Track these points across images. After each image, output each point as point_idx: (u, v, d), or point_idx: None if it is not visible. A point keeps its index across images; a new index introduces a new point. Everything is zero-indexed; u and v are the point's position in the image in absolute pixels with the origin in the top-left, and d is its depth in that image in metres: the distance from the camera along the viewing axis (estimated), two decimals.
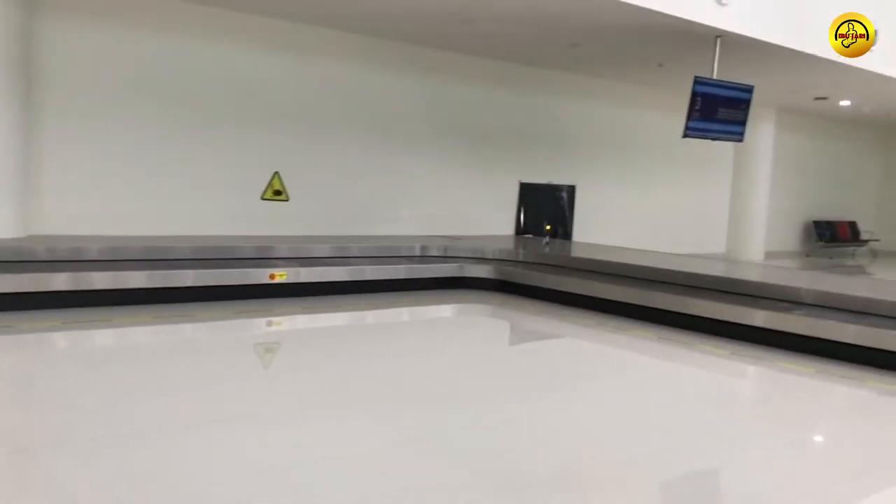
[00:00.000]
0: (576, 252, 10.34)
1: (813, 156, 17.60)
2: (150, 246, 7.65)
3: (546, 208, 12.63)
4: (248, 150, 9.42)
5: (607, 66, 11.75)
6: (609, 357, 6.71)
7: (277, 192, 9.60)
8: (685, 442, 4.30)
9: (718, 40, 9.11)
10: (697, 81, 8.98)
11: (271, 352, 6.34)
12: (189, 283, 7.09)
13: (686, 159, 14.47)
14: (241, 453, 3.63)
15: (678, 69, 10.89)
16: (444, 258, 9.23)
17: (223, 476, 3.35)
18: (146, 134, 8.69)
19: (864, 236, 18.37)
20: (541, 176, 12.52)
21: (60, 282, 6.43)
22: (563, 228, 12.90)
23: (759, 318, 6.78)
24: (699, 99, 8.96)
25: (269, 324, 7.07)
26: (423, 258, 9.19)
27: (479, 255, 9.40)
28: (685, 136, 9.10)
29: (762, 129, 15.48)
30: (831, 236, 17.63)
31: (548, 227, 11.27)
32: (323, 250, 8.57)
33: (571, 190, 12.96)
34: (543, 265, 9.18)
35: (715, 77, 9.21)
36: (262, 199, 9.52)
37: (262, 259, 8.04)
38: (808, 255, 17.40)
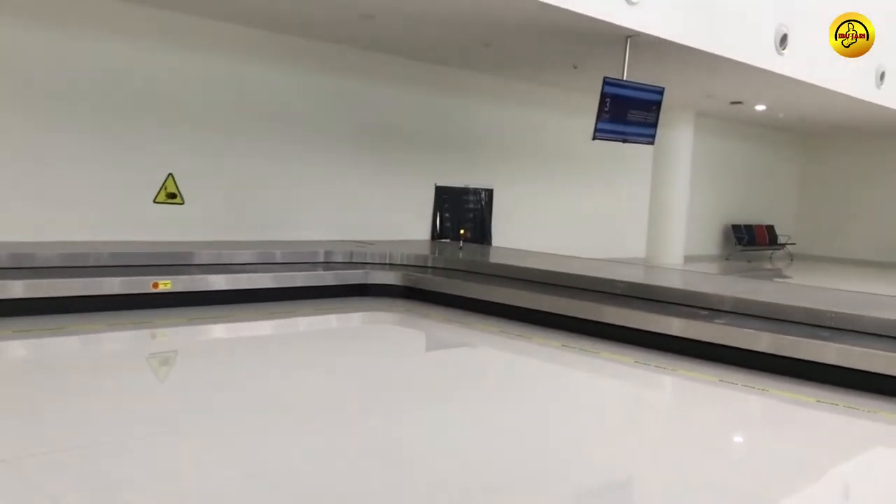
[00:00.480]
0: (488, 257, 10.07)
1: (731, 160, 17.76)
2: (20, 253, 7.05)
3: (463, 212, 12.34)
4: (140, 150, 8.85)
5: (522, 68, 11.53)
6: (508, 366, 6.40)
7: (171, 196, 9.05)
8: (581, 454, 4.01)
9: (629, 40, 8.94)
10: (607, 82, 8.79)
11: (141, 369, 5.84)
12: (63, 293, 6.54)
13: (606, 163, 14.36)
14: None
15: (593, 71, 10.71)
16: (350, 264, 8.82)
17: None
18: (29, 132, 8.07)
19: (781, 240, 18.63)
20: (457, 179, 12.23)
21: None
22: (481, 233, 12.62)
23: (664, 324, 6.58)
24: (608, 100, 8.76)
25: (153, 336, 6.56)
26: (328, 264, 8.76)
27: (386, 261, 9.03)
28: (595, 138, 8.89)
29: (680, 133, 15.51)
30: (749, 240, 17.81)
31: (462, 232, 10.96)
32: (215, 257, 8.07)
33: (489, 193, 12.69)
34: (453, 271, 8.86)
35: (625, 78, 9.03)
36: (155, 202, 8.96)
37: (149, 266, 7.50)
38: (727, 259, 17.54)
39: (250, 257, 8.24)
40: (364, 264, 8.85)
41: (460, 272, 8.83)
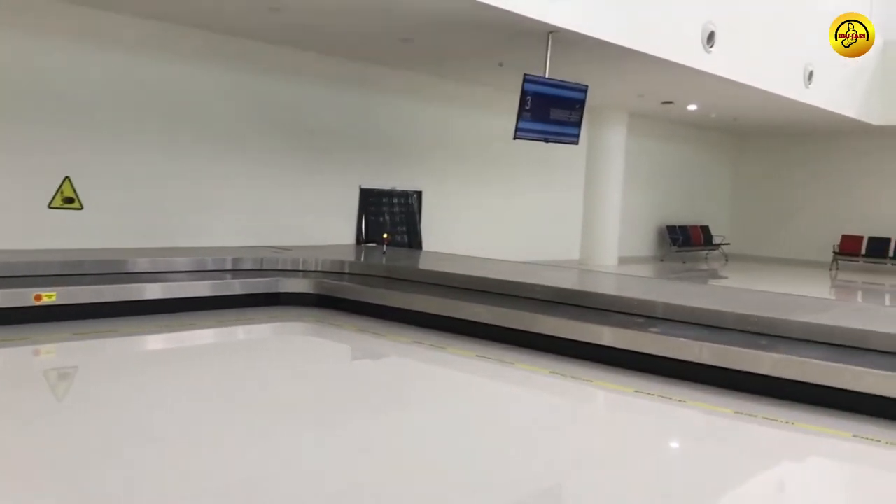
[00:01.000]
0: (410, 262, 9.68)
1: (666, 161, 17.69)
2: None
3: (390, 215, 11.92)
4: (33, 152, 8.25)
5: (447, 65, 11.17)
6: (416, 378, 6.02)
7: (69, 200, 8.46)
8: (489, 467, 3.64)
9: (551, 36, 8.65)
10: (527, 80, 8.47)
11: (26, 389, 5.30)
12: None
13: (539, 163, 14.10)
14: None
15: (520, 69, 10.39)
16: (259, 272, 8.33)
17: None
18: None
19: (716, 240, 18.63)
20: (384, 181, 11.81)
21: None
22: (410, 237, 12.23)
23: (581, 331, 6.27)
24: (529, 98, 8.44)
25: (36, 353, 6.02)
26: (236, 272, 8.26)
27: (299, 268, 8.57)
28: (516, 137, 8.57)
29: (613, 133, 15.35)
30: (684, 241, 17.76)
31: (384, 236, 10.54)
32: (111, 266, 7.51)
33: (418, 195, 12.30)
34: (371, 277, 8.46)
35: (548, 76, 8.73)
36: (50, 207, 8.36)
37: (34, 277, 6.93)
38: (662, 260, 17.45)
39: (149, 265, 7.70)
40: (275, 271, 8.38)
41: (378, 278, 8.43)
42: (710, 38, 10.52)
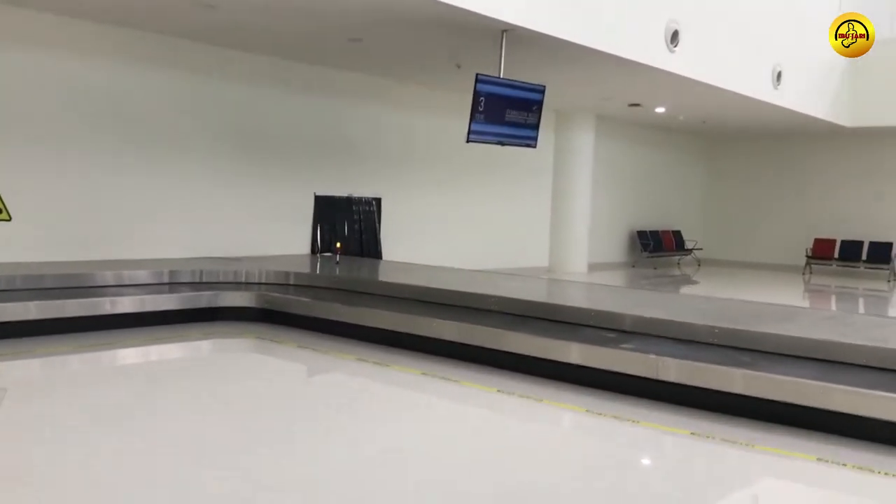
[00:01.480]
0: (362, 273, 9.23)
1: (635, 165, 17.36)
2: None
3: (347, 223, 11.46)
4: None
5: (403, 67, 10.75)
6: (354, 397, 5.57)
7: None
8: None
9: (505, 35, 8.25)
10: (480, 79, 8.05)
11: None
12: None
13: (504, 168, 13.70)
14: None
15: (477, 71, 10.00)
16: (198, 285, 7.85)
17: None
18: None
19: (688, 245, 18.32)
20: (340, 188, 11.36)
21: None
22: (369, 246, 11.77)
23: (530, 345, 5.87)
24: (483, 99, 8.03)
25: None
26: (173, 286, 7.77)
27: (241, 280, 8.10)
28: (468, 140, 8.15)
29: (581, 137, 15.01)
30: (656, 246, 17.42)
31: (337, 245, 10.08)
32: (33, 280, 6.99)
33: (377, 202, 11.85)
34: (318, 289, 8.00)
35: (503, 76, 8.32)
36: None
37: None
38: (633, 266, 17.11)
39: (74, 280, 7.19)
40: (215, 284, 7.90)
41: (326, 290, 7.98)
42: (674, 37, 10.17)
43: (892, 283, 16.17)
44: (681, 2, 10.34)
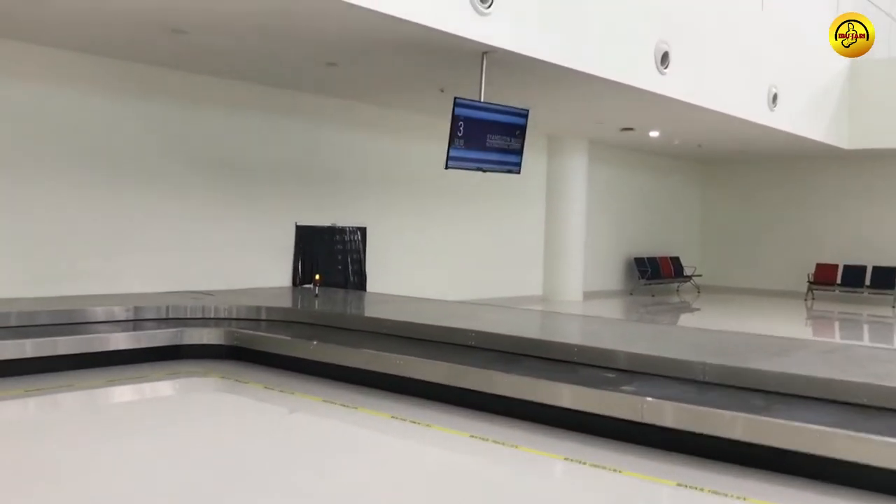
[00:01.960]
0: (336, 307, 8.84)
1: (631, 190, 16.98)
2: None
3: (331, 254, 11.07)
4: None
5: (383, 91, 10.41)
6: (317, 445, 5.14)
7: None
8: None
9: (485, 57, 7.91)
10: (458, 103, 7.70)
11: None
12: None
13: (495, 194, 13.32)
14: None
15: (461, 95, 9.68)
16: (164, 321, 7.45)
17: None
18: None
19: (687, 271, 17.88)
20: (323, 217, 10.99)
21: None
22: (354, 277, 11.37)
23: (505, 385, 5.46)
24: (462, 124, 7.67)
25: None
26: (139, 322, 7.38)
27: (210, 316, 7.71)
28: (447, 166, 7.78)
29: (574, 162, 14.68)
30: (654, 273, 16.98)
31: (317, 277, 9.68)
32: None
33: (361, 232, 11.47)
34: (290, 325, 7.60)
35: (484, 99, 7.98)
36: None
37: None
38: (631, 294, 16.67)
39: (28, 318, 6.79)
40: (182, 320, 7.49)
41: (300, 326, 7.58)
42: (664, 58, 9.84)
43: None
44: (671, 22, 10.02)
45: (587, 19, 8.66)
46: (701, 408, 4.62)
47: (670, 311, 15.20)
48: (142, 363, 6.89)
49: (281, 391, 6.30)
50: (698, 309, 15.61)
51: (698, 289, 17.90)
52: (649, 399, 4.78)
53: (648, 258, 17.08)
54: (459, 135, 7.60)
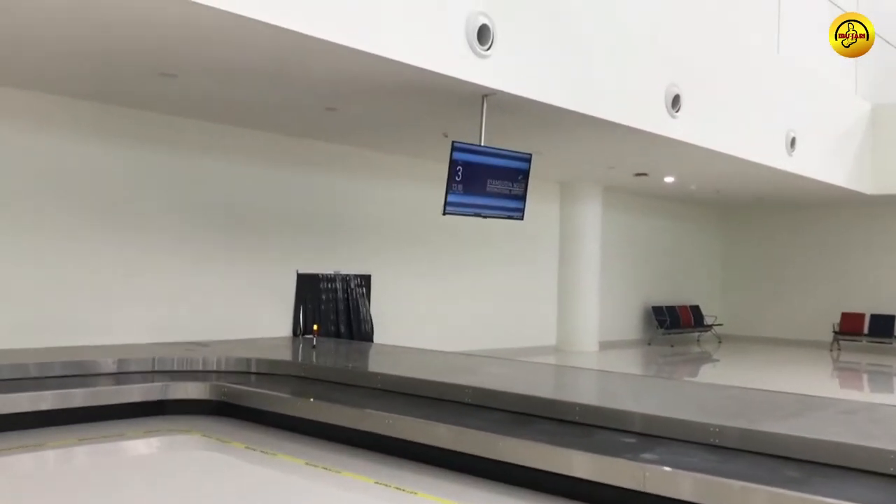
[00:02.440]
0: (331, 359, 8.48)
1: (647, 237, 16.57)
2: None
3: (333, 303, 10.75)
4: None
5: (384, 136, 10.19)
6: None
7: None
8: None
9: (486, 100, 7.65)
10: (456, 147, 7.42)
11: None
12: None
13: (508, 241, 13.01)
14: None
15: (465, 139, 9.42)
16: (149, 374, 7.14)
17: None
18: None
19: (707, 320, 17.32)
20: (325, 265, 10.70)
21: None
22: (358, 327, 11.02)
23: (500, 450, 5.04)
24: (460, 168, 7.38)
25: None
26: (121, 375, 7.06)
27: (199, 368, 7.39)
28: (445, 213, 7.48)
29: (588, 208, 14.34)
30: (673, 322, 16.46)
31: (315, 327, 9.36)
32: None
33: (365, 280, 11.16)
34: (281, 378, 7.26)
35: (484, 143, 7.70)
36: None
37: None
38: (648, 344, 16.15)
39: (7, 372, 6.50)
40: (169, 373, 7.18)
41: (292, 379, 7.24)
42: (675, 101, 9.53)
43: None
44: (682, 65, 9.73)
45: (592, 61, 8.39)
46: (705, 476, 4.19)
47: (689, 363, 14.67)
48: (123, 419, 6.57)
49: (263, 451, 5.93)
50: (718, 360, 15.06)
51: (719, 339, 17.34)
52: (650, 466, 4.36)
53: (667, 307, 16.59)
54: (458, 179, 7.32)
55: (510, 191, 7.85)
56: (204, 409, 6.93)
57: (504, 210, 7.92)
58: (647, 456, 4.55)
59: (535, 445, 4.88)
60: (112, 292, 8.56)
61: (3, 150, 7.87)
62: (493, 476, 5.06)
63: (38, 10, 5.57)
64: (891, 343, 15.71)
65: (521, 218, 8.18)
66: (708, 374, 13.44)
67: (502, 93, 7.52)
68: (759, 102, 11.37)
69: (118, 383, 6.85)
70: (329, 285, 10.70)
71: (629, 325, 16.19)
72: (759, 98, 11.34)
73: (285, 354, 8.41)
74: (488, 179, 7.62)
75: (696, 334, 17.37)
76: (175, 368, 7.33)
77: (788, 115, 12.06)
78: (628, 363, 13.30)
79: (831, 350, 16.14)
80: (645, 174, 12.99)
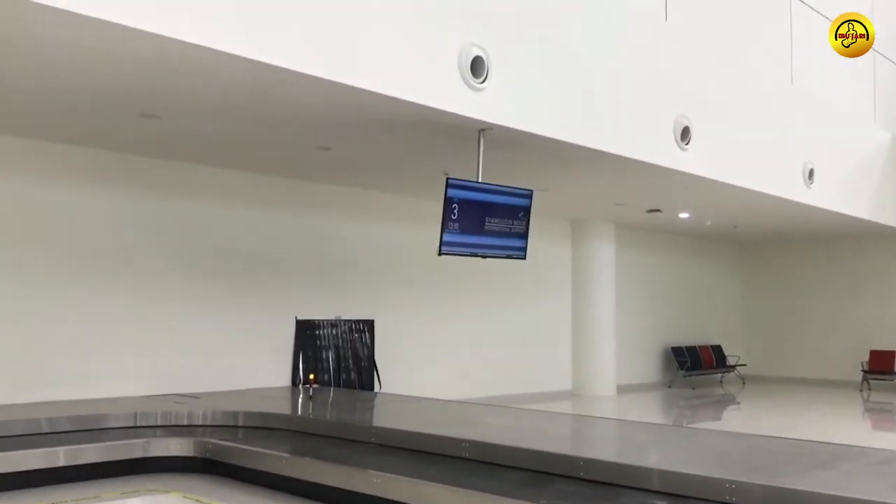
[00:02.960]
0: (324, 411, 8.05)
1: (664, 275, 16.09)
2: None
3: (334, 350, 10.36)
4: None
5: (382, 176, 9.90)
6: None
7: None
8: None
9: (482, 135, 7.32)
10: (451, 184, 7.08)
11: None
12: None
13: (518, 282, 12.62)
14: None
15: (466, 177, 9.08)
16: (130, 430, 6.74)
17: None
18: None
19: (730, 361, 16.71)
20: (325, 310, 10.34)
21: None
22: (362, 374, 10.61)
23: None
24: (456, 206, 7.02)
25: None
26: (98, 432, 6.67)
27: (184, 423, 6.98)
28: (441, 253, 7.10)
29: (600, 247, 13.94)
30: (694, 363, 15.87)
31: (311, 377, 8.97)
32: None
33: (368, 325, 10.77)
34: (270, 433, 6.83)
35: (482, 179, 7.35)
36: None
37: None
38: (669, 386, 15.56)
39: None
40: (151, 428, 6.78)
41: (284, 434, 6.81)
42: (685, 133, 9.16)
43: None
44: (691, 96, 9.38)
45: (593, 91, 8.06)
46: None
47: (711, 406, 14.07)
48: (99, 479, 6.16)
49: None
50: (740, 403, 14.44)
51: (743, 380, 16.71)
52: None
53: (687, 347, 16.03)
54: (453, 218, 6.96)
55: (510, 229, 7.48)
56: (188, 467, 6.52)
57: (504, 249, 7.54)
58: None
59: None
60: (99, 344, 8.25)
61: None
62: None
63: (10, 56, 5.33)
64: None
65: (524, 258, 7.79)
66: (731, 418, 12.83)
67: (499, 127, 7.19)
68: (774, 134, 10.97)
69: (95, 440, 6.45)
70: (330, 331, 10.32)
71: (648, 367, 15.64)
72: (773, 129, 10.96)
73: (277, 406, 7.99)
74: (486, 217, 7.26)
75: (719, 376, 16.75)
76: (158, 423, 6.93)
77: (804, 146, 11.65)
78: (648, 407, 12.75)
79: (861, 390, 15.46)
80: (658, 210, 12.59)
